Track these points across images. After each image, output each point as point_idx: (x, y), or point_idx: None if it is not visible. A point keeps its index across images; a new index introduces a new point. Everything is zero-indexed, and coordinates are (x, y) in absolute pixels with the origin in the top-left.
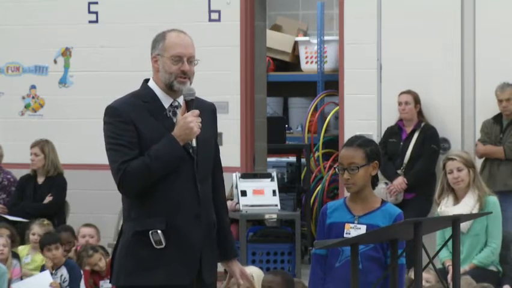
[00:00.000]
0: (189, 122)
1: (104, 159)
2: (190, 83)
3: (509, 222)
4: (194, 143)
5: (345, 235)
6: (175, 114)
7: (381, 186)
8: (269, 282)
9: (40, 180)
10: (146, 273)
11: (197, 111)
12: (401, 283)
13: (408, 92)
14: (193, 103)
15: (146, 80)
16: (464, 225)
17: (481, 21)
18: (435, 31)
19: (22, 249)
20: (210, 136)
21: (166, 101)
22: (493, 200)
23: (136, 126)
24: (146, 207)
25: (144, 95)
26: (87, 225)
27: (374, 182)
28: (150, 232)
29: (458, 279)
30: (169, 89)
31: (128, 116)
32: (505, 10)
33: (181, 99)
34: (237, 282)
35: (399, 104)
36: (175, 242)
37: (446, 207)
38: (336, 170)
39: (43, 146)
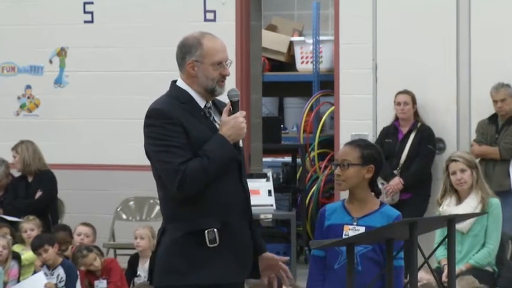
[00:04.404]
0: (241, 123)
1: (98, 160)
2: None
3: (505, 223)
4: (241, 143)
5: (343, 237)
6: (209, 114)
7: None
8: (255, 285)
9: (30, 178)
10: (200, 272)
11: (244, 112)
12: (399, 285)
13: (406, 92)
14: (238, 103)
15: (174, 81)
16: (464, 226)
17: (476, 21)
18: (430, 31)
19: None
20: None
21: (200, 102)
22: (496, 201)
23: (184, 127)
24: (199, 206)
25: (180, 96)
26: (84, 224)
27: (375, 189)
28: (207, 231)
29: (453, 278)
30: (209, 93)
31: (176, 117)
32: (500, 10)
33: (211, 101)
34: (282, 267)
35: (398, 104)
36: (228, 240)
37: (448, 207)
38: (332, 167)
39: (17, 147)
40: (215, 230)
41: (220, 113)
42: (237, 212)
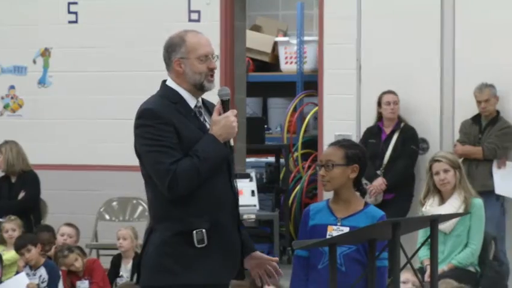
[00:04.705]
0: (232, 122)
1: (82, 160)
2: None
3: (488, 223)
4: (232, 142)
5: (327, 237)
6: (200, 114)
7: None
8: (237, 286)
9: (13, 179)
10: (190, 272)
11: (235, 111)
12: (382, 286)
13: (393, 92)
14: (229, 103)
15: (164, 81)
16: (447, 226)
17: (460, 22)
18: (414, 32)
19: None
20: None
21: (191, 101)
22: (479, 202)
23: (175, 127)
24: (187, 206)
25: (171, 96)
26: (68, 224)
27: (360, 188)
28: (195, 232)
29: (436, 279)
30: (199, 90)
31: (168, 118)
32: (484, 11)
33: (201, 100)
34: (271, 263)
35: (387, 103)
36: (218, 240)
37: (431, 207)
38: (317, 167)
39: (1, 147)
40: (203, 230)
41: (210, 114)
42: (226, 213)
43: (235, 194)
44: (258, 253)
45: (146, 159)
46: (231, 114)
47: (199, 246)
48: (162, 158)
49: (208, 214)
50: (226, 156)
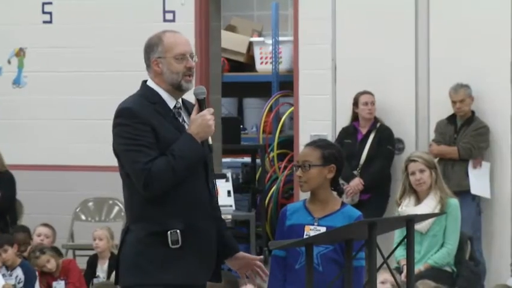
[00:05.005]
0: (208, 120)
1: (57, 160)
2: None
3: (464, 222)
4: (210, 141)
5: (304, 237)
6: (179, 115)
7: None
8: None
9: None
10: (164, 272)
11: (212, 110)
12: (359, 285)
13: (369, 92)
14: (205, 101)
15: (145, 81)
16: (423, 226)
17: (435, 22)
18: (389, 32)
19: None
20: None
21: (170, 102)
22: (454, 202)
23: (153, 127)
24: (163, 206)
25: (150, 96)
26: (44, 224)
27: (337, 188)
28: (169, 232)
29: (412, 279)
30: (176, 89)
31: (145, 117)
32: (459, 11)
33: (181, 101)
34: (257, 263)
35: (365, 104)
36: (192, 241)
37: (407, 208)
38: (294, 168)
39: None
40: (178, 231)
41: (190, 114)
42: (202, 213)
43: (212, 194)
44: (241, 253)
45: (124, 158)
46: (207, 113)
47: (174, 247)
48: (138, 157)
49: (183, 215)
50: (203, 155)
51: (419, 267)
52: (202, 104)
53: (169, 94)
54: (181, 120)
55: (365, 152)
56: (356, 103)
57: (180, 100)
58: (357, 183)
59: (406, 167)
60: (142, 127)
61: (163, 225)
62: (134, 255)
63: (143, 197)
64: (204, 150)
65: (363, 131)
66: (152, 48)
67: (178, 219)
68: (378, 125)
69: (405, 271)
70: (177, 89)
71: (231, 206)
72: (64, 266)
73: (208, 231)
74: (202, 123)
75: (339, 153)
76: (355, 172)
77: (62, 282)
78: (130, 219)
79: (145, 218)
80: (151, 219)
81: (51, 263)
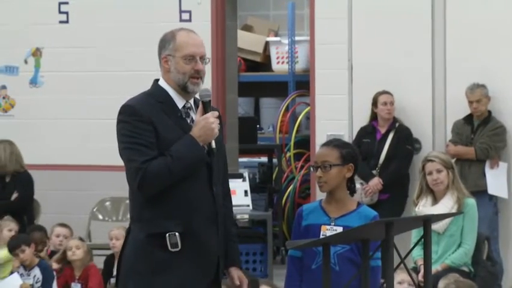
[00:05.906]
0: (211, 123)
1: (74, 160)
2: (202, 82)
3: (481, 222)
4: (213, 144)
5: (321, 237)
6: (188, 115)
7: (357, 187)
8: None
9: (7, 178)
10: (161, 276)
11: (216, 113)
12: (375, 285)
13: (388, 92)
14: (210, 104)
15: (157, 80)
16: (440, 226)
17: (451, 21)
18: (406, 31)
19: None
20: (221, 140)
21: (179, 101)
22: (471, 202)
23: (155, 126)
24: (162, 208)
25: (158, 95)
26: (62, 225)
27: (352, 188)
28: (168, 234)
29: (429, 278)
30: (183, 90)
31: (147, 115)
32: (475, 10)
33: (193, 101)
34: (233, 284)
35: (384, 104)
36: (191, 245)
37: (424, 208)
38: (311, 169)
39: None
40: (176, 234)
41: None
42: (202, 218)
43: (215, 201)
44: (232, 273)
45: (122, 156)
46: (211, 116)
47: (173, 250)
48: (135, 156)
49: (181, 217)
50: (203, 158)
51: (436, 267)
52: (206, 107)
53: (178, 94)
54: (189, 121)
55: (384, 151)
56: (375, 103)
57: (192, 100)
58: (376, 182)
59: (423, 167)
60: (142, 125)
61: (160, 227)
62: (133, 257)
63: (141, 196)
64: (204, 153)
65: (382, 130)
66: (164, 44)
67: (176, 221)
68: (397, 124)
69: (422, 271)
70: (183, 90)
71: (248, 205)
72: (85, 270)
73: (209, 236)
74: (205, 126)
75: (355, 152)
76: (374, 172)
77: (79, 286)
78: (131, 219)
79: (143, 219)
80: (149, 220)
81: (78, 252)
